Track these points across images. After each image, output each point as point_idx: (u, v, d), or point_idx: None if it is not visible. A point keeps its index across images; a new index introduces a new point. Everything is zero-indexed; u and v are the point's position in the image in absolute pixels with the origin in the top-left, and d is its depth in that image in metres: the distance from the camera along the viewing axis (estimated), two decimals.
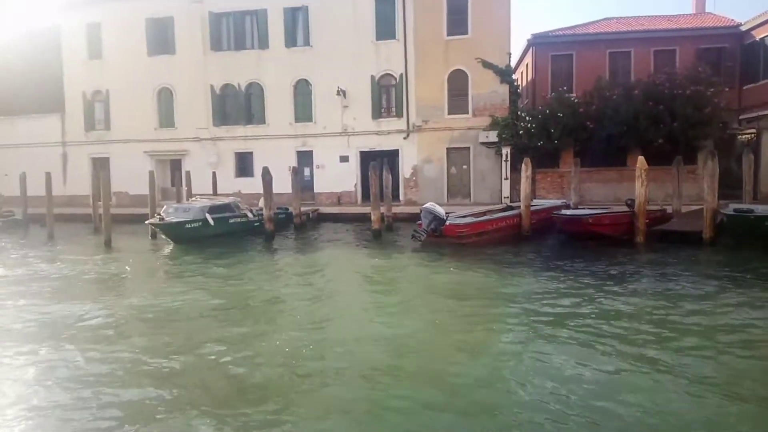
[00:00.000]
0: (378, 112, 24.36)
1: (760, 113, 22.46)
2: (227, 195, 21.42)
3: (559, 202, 18.88)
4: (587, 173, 21.12)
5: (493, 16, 22.77)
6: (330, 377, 6.26)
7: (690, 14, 27.92)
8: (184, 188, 22.00)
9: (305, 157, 25.18)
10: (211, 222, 16.76)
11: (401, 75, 23.80)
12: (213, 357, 6.97)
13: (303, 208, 20.33)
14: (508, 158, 22.56)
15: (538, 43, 25.50)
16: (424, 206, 15.67)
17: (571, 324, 7.97)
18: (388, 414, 5.39)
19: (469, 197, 23.39)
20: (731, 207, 14.49)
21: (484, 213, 17.52)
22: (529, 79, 26.65)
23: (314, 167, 25.05)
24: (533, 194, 20.02)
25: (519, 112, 23.08)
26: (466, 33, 23.15)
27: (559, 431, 4.96)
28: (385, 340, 7.57)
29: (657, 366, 6.36)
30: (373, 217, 16.84)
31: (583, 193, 19.96)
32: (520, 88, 26.31)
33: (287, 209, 20.13)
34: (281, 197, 21.51)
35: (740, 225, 13.83)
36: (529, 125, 22.27)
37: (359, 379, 6.19)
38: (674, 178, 17.59)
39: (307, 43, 24.76)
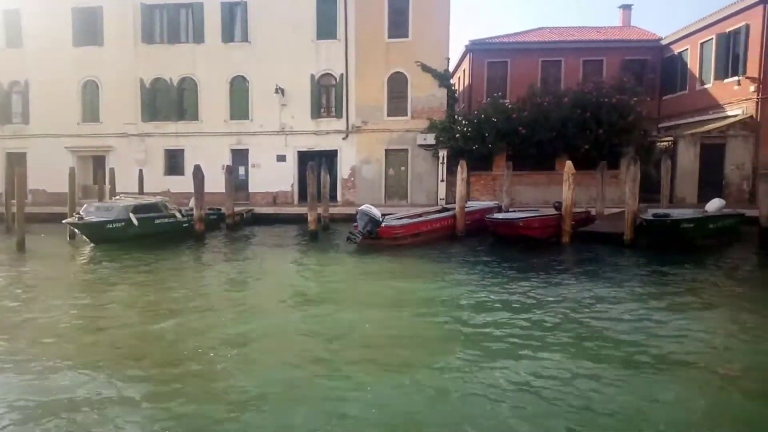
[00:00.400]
0: (317, 111, 24.11)
1: (677, 122, 23.99)
2: (155, 194, 20.48)
3: (492, 204, 19.34)
4: (518, 176, 21.75)
5: (433, 21, 23.07)
6: (249, 394, 5.97)
7: (617, 27, 29.42)
8: (107, 186, 20.90)
9: (240, 156, 24.54)
10: (135, 222, 15.94)
11: (341, 75, 23.67)
12: (127, 370, 6.57)
13: (237, 209, 19.77)
14: (445, 161, 22.92)
15: (475, 49, 26.11)
16: (360, 208, 15.62)
17: (502, 323, 8.14)
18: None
19: (406, 198, 23.57)
20: (650, 212, 15.30)
21: (419, 214, 17.68)
22: (466, 84, 27.22)
23: (250, 166, 24.46)
24: (468, 196, 20.42)
25: (456, 116, 23.51)
26: (406, 36, 23.32)
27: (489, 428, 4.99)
28: (313, 342, 7.42)
29: (577, 358, 6.58)
30: (309, 218, 16.58)
31: (514, 195, 20.54)
32: (458, 92, 26.82)
33: (219, 209, 19.51)
34: (214, 197, 20.85)
35: (658, 228, 14.62)
36: (465, 129, 22.73)
37: (283, 393, 5.99)
38: (598, 182, 18.41)
39: (245, 38, 24.17)
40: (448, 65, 23.70)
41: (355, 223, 15.50)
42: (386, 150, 23.76)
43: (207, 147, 24.07)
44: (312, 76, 23.82)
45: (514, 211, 18.33)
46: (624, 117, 21.97)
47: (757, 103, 19.99)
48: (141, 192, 21.17)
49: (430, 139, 23.02)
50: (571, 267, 12.64)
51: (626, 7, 29.91)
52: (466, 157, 20.37)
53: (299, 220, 19.47)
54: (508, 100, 24.00)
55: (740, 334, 7.75)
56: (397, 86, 23.54)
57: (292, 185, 24.26)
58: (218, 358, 6.75)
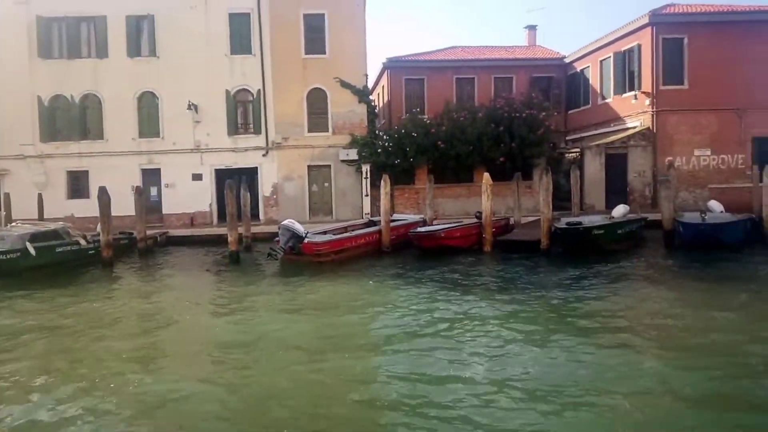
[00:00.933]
0: (234, 128, 23.36)
1: (583, 135, 25.58)
2: (57, 220, 18.83)
3: (417, 217, 19.55)
4: (440, 189, 22.20)
5: (350, 38, 23.17)
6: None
7: (524, 46, 31.08)
8: (2, 213, 18.99)
9: (152, 176, 23.20)
10: (32, 252, 14.44)
11: (258, 91, 23.13)
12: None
13: (150, 232, 18.60)
14: (368, 175, 22.96)
15: (393, 66, 26.56)
16: (282, 223, 15.18)
17: (431, 333, 8.18)
18: None
19: (331, 214, 23.30)
20: (563, 220, 16.07)
21: (344, 229, 17.50)
22: (385, 100, 27.56)
23: (163, 186, 23.18)
24: (392, 210, 20.51)
25: (377, 131, 23.70)
26: (323, 53, 23.23)
27: None
28: (232, 371, 6.97)
29: (502, 358, 6.65)
30: (229, 239, 15.88)
31: (436, 207, 20.88)
32: (378, 108, 27.09)
33: (131, 233, 18.27)
34: (124, 220, 19.54)
35: (571, 235, 15.37)
36: (386, 144, 22.95)
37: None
38: (514, 192, 19.16)
39: (153, 53, 23.03)
40: (366, 81, 23.87)
41: (277, 239, 15.03)
42: (309, 166, 23.42)
43: (114, 167, 22.53)
44: (227, 92, 23.10)
45: (438, 223, 18.61)
46: (534, 131, 23.13)
47: (652, 115, 21.73)
48: (41, 218, 19.41)
49: (353, 154, 22.99)
50: (493, 274, 12.96)
51: (531, 28, 31.72)
52: (389, 171, 20.54)
53: (219, 241, 18.63)
54: (426, 116, 24.52)
55: (659, 319, 8.22)
56: (317, 102, 23.36)
57: (210, 205, 23.26)
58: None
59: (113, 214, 15.88)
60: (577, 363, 6.78)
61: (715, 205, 16.63)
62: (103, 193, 15.53)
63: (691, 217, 15.61)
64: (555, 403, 5.64)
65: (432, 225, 18.17)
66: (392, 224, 17.30)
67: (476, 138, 22.66)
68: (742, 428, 5.07)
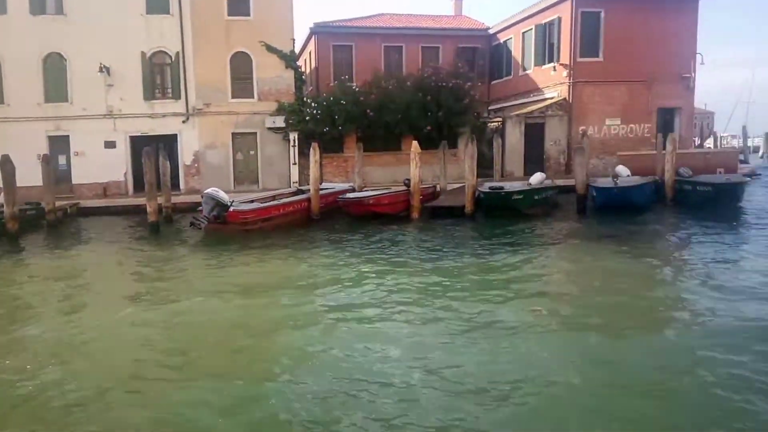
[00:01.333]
0: (151, 92, 22.10)
1: (505, 105, 26.43)
2: None
3: (345, 186, 19.56)
4: (368, 157, 22.23)
5: (276, 1, 22.35)
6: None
7: (451, 16, 31.35)
8: None
9: (60, 143, 21.59)
10: None
11: (177, 53, 21.92)
12: None
13: (58, 203, 17.41)
14: (296, 143, 22.60)
15: (320, 32, 26.01)
16: (205, 192, 14.67)
17: (366, 299, 8.27)
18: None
19: (257, 183, 22.81)
20: (486, 185, 16.72)
21: (272, 197, 17.23)
22: (313, 66, 27.03)
23: (72, 155, 21.66)
24: (321, 178, 20.40)
25: (305, 99, 23.24)
26: (248, 15, 22.28)
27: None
28: (156, 341, 6.80)
29: (434, 320, 6.92)
30: (148, 209, 15.15)
31: (365, 176, 20.97)
32: (305, 74, 26.52)
33: (39, 204, 17.03)
34: (31, 191, 18.15)
35: (493, 200, 16.05)
36: (314, 112, 22.60)
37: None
38: (440, 160, 19.58)
39: (59, 11, 21.16)
40: (293, 46, 23.25)
41: (200, 208, 14.57)
42: (233, 134, 22.67)
43: (17, 134, 20.73)
44: (143, 54, 21.74)
45: (366, 190, 18.75)
46: (460, 100, 23.59)
47: (568, 86, 22.78)
48: None
49: (280, 122, 22.48)
50: (421, 239, 13.31)
51: None
52: (317, 139, 20.31)
53: (136, 212, 17.74)
54: (355, 84, 24.33)
55: (572, 276, 8.83)
56: (242, 67, 22.49)
57: (125, 174, 22.04)
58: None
59: (18, 184, 14.71)
60: (503, 327, 7.15)
61: (622, 170, 17.78)
62: (6, 161, 14.30)
63: (604, 182, 16.77)
64: (475, 356, 5.97)
65: (361, 192, 18.29)
66: (321, 192, 17.24)
67: (405, 107, 22.80)
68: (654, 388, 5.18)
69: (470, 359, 5.82)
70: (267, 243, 13.25)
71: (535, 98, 24.49)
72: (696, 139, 30.99)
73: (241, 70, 22.50)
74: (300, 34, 31.06)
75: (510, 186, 16.84)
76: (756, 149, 48.48)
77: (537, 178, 17.35)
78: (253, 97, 22.67)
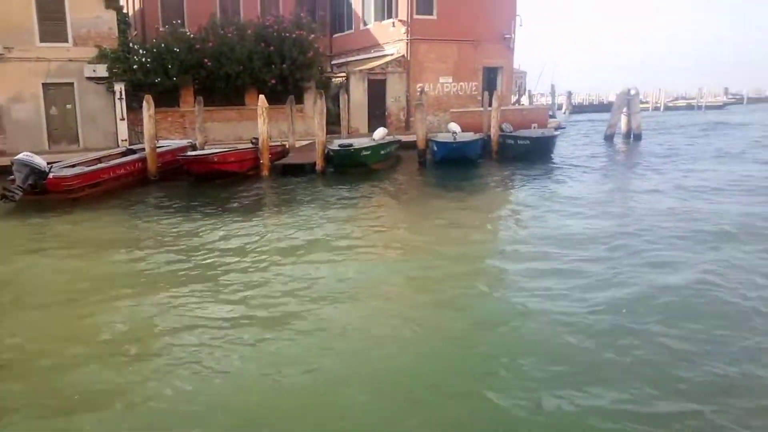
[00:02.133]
0: None
1: (347, 60, 26.67)
2: None
3: (184, 142, 18.38)
4: (209, 113, 21.02)
5: None
6: None
7: None
8: None
9: None
10: None
11: None
12: None
13: None
14: (123, 96, 20.33)
15: None
16: (16, 158, 12.72)
17: (214, 264, 8.09)
18: None
19: (77, 142, 20.20)
20: (336, 143, 17.02)
21: (99, 159, 15.55)
22: (137, 8, 24.25)
23: None
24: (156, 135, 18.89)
25: (131, 44, 20.85)
26: None
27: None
28: None
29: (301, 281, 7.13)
30: None
31: (206, 132, 19.89)
32: (129, 17, 23.68)
33: None
34: None
35: (343, 156, 16.47)
36: (143, 60, 20.44)
37: None
38: (287, 116, 19.34)
39: None
40: None
41: (12, 177, 12.66)
42: (44, 84, 19.55)
43: None
44: None
45: (210, 147, 17.87)
46: (304, 53, 23.04)
47: (407, 43, 23.71)
48: None
49: (102, 70, 19.90)
50: (273, 197, 13.32)
51: None
52: (148, 91, 18.50)
53: None
54: (188, 30, 22.44)
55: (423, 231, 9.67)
56: (51, 4, 19.16)
57: None
58: None
59: None
60: (359, 273, 7.65)
61: (454, 126, 19.32)
62: None
63: (444, 137, 18.23)
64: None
65: (203, 149, 17.38)
66: (158, 150, 16.03)
67: (246, 57, 21.68)
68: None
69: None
70: (97, 211, 12.12)
71: (377, 54, 25.07)
72: (514, 96, 34.63)
73: (50, 8, 19.22)
74: None
75: (358, 142, 17.38)
76: (560, 106, 55.72)
77: (380, 133, 18.15)
78: (67, 41, 19.67)
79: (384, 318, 6.15)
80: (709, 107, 57.89)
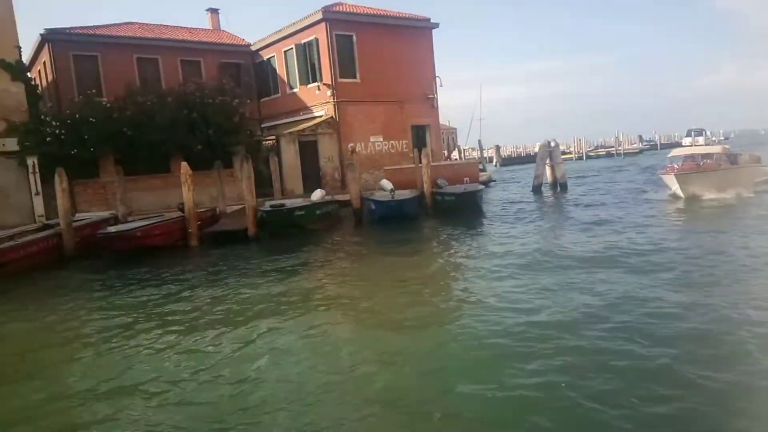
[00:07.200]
0: None
1: (276, 123, 26.65)
2: None
3: (106, 214, 17.29)
4: (132, 182, 20.06)
5: None
6: None
7: (209, 30, 30.23)
8: None
9: None
10: None
11: None
12: None
13: None
14: (36, 170, 18.99)
15: (55, 39, 22.62)
16: None
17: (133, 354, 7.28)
18: None
19: None
20: (267, 204, 16.59)
21: (10, 238, 14.23)
22: (49, 79, 23.26)
23: None
24: (74, 209, 17.66)
25: (43, 117, 19.76)
26: None
27: None
28: None
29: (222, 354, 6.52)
30: None
31: (130, 202, 18.86)
32: (40, 89, 22.61)
33: None
34: None
35: (276, 218, 16.00)
36: (58, 132, 19.39)
37: None
38: (216, 181, 18.77)
39: None
40: (20, 55, 19.53)
41: None
42: None
43: None
44: None
45: (133, 220, 16.84)
46: (230, 118, 22.80)
47: (334, 105, 24.03)
48: None
49: (12, 144, 18.58)
50: (202, 271, 12.42)
51: (213, 11, 30.96)
52: (64, 163, 17.37)
53: None
54: (105, 99, 21.67)
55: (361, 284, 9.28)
56: None
57: None
58: None
59: None
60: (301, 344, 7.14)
61: (386, 183, 19.44)
62: None
63: (382, 195, 18.20)
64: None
65: (126, 223, 16.34)
66: (76, 224, 14.90)
67: (169, 125, 21.10)
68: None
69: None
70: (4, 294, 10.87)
71: (305, 116, 25.21)
72: (445, 152, 35.81)
73: None
74: (27, 41, 26.39)
75: (291, 202, 17.04)
76: (491, 159, 58.20)
77: (317, 194, 17.96)
78: None
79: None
80: (627, 154, 62.31)
